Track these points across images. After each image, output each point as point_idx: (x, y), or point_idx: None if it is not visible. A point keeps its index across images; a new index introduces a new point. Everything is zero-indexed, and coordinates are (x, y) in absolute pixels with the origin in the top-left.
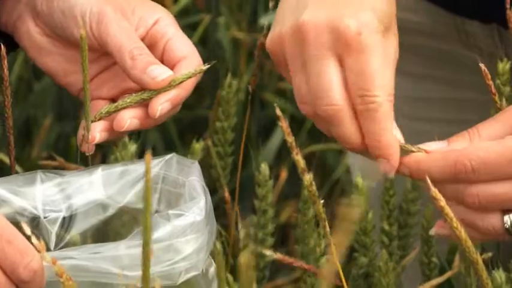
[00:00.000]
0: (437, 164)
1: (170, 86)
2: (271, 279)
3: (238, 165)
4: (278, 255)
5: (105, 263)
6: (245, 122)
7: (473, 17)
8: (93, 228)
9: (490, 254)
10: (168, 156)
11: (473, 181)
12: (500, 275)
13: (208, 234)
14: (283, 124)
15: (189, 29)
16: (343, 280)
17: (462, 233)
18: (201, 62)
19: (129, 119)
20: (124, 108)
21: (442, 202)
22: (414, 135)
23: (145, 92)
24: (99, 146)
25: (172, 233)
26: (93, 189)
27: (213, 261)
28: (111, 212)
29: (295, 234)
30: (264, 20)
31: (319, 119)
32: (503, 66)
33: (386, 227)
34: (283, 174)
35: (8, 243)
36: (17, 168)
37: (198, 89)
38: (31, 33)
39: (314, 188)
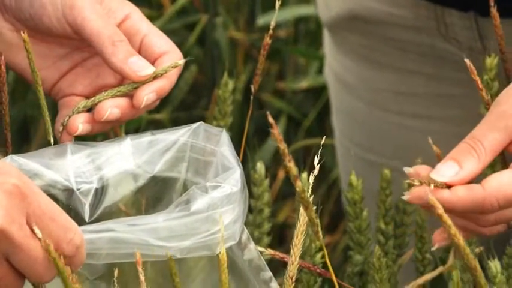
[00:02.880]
0: (463, 203)
1: (151, 78)
2: None
3: None
4: (269, 251)
5: (144, 234)
6: (246, 121)
7: (451, 5)
8: (126, 198)
9: (481, 248)
10: (195, 125)
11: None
12: (495, 264)
13: (243, 204)
14: (275, 131)
15: (186, 29)
16: (334, 279)
17: (461, 240)
18: (182, 56)
19: (109, 108)
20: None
21: (440, 210)
22: (399, 129)
23: (123, 86)
24: None
25: (210, 204)
26: (123, 159)
27: (245, 227)
28: (141, 182)
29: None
30: (261, 20)
31: None
32: (491, 61)
33: (383, 226)
34: (281, 174)
35: (51, 221)
36: None
37: (195, 90)
38: (0, 29)
39: (306, 194)
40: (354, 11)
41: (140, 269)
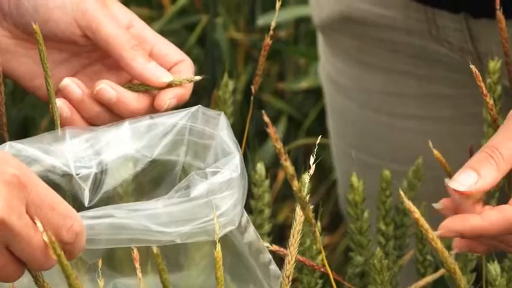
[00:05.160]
0: (497, 227)
1: (169, 86)
2: None
3: None
4: (273, 247)
5: (144, 220)
6: (246, 122)
7: (441, 7)
8: (125, 183)
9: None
10: (193, 108)
11: None
12: (495, 267)
13: (242, 189)
14: (271, 130)
15: (186, 29)
16: (333, 282)
17: (438, 244)
18: (192, 63)
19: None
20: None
21: (417, 214)
22: (392, 130)
23: (133, 84)
24: None
25: (209, 190)
26: (121, 143)
27: (244, 211)
28: (140, 166)
29: None
30: (261, 21)
31: None
32: (494, 64)
33: (383, 227)
34: (281, 175)
35: (50, 209)
36: None
37: (195, 90)
38: None
39: (304, 194)
40: (345, 13)
41: (137, 265)
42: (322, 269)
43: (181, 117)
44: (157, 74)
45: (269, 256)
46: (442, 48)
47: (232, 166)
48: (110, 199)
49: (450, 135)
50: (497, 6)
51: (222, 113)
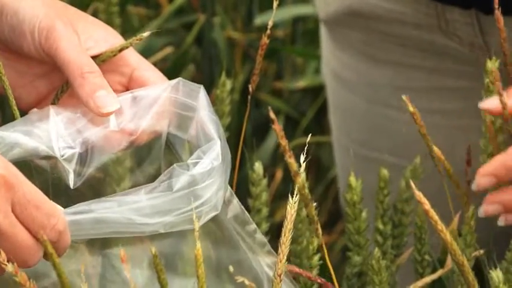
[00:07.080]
0: None
1: (98, 62)
2: None
3: (234, 164)
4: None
5: (127, 212)
6: (244, 121)
7: (453, 3)
8: (110, 161)
9: (482, 251)
10: (174, 81)
11: None
12: (497, 274)
13: (224, 174)
14: (277, 127)
15: (184, 28)
16: (334, 279)
17: (447, 235)
18: None
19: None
20: None
21: (427, 206)
22: (400, 125)
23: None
24: None
25: (191, 182)
26: (105, 120)
27: (228, 185)
28: (125, 143)
29: None
30: (259, 20)
31: None
32: (492, 64)
33: (381, 226)
34: (278, 174)
35: (35, 208)
36: None
37: None
38: None
39: (306, 190)
40: (353, 7)
41: (125, 265)
42: (319, 280)
43: (163, 90)
44: (99, 104)
45: (254, 226)
46: (452, 43)
47: (213, 154)
48: (96, 179)
49: (459, 128)
50: (495, 6)
51: (201, 86)
